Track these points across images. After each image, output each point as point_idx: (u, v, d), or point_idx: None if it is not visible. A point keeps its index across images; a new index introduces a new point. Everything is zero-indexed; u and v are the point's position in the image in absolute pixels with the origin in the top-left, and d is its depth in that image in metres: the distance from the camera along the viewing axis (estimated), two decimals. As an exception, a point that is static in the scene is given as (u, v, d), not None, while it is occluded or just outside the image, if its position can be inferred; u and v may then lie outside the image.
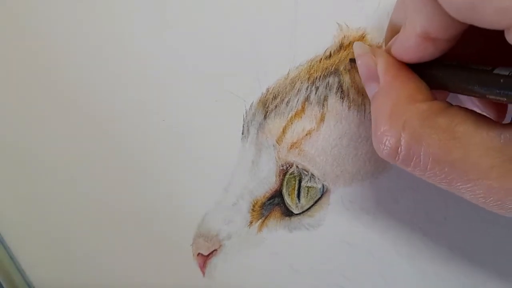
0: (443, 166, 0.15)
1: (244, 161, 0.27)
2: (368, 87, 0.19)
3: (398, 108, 0.17)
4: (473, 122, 0.15)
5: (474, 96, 0.16)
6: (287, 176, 0.26)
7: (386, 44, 0.20)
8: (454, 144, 0.15)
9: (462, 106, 0.16)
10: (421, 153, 0.16)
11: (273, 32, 0.25)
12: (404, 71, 0.18)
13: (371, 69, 0.19)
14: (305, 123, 0.25)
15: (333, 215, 0.26)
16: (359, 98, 0.24)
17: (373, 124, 0.18)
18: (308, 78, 0.25)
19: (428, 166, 0.16)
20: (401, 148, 0.16)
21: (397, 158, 0.16)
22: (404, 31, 0.17)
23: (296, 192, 0.26)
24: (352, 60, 0.23)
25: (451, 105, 0.16)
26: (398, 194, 0.24)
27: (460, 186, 0.15)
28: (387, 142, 0.17)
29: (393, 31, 0.19)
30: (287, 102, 0.25)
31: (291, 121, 0.25)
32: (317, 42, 0.24)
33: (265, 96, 0.26)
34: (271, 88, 0.26)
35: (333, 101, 0.24)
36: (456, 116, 0.15)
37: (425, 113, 0.16)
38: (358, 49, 0.20)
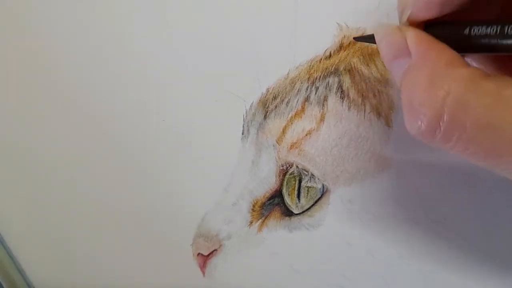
0: (491, 132, 0.14)
1: (244, 161, 0.27)
2: (397, 65, 0.17)
3: (437, 76, 0.15)
4: None
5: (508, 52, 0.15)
6: (287, 176, 0.26)
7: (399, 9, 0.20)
8: (504, 107, 0.14)
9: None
10: (468, 121, 0.14)
11: (273, 32, 0.25)
12: (437, 42, 0.16)
13: (400, 45, 0.17)
14: (305, 123, 0.25)
15: (333, 215, 0.26)
16: (359, 98, 0.24)
17: (406, 100, 0.16)
18: (308, 78, 0.25)
19: (474, 135, 0.14)
20: (444, 118, 0.14)
21: (437, 132, 0.15)
22: None
23: (296, 192, 0.26)
24: (357, 39, 0.22)
25: (490, 73, 0.15)
26: (398, 194, 0.24)
27: (509, 158, 0.14)
28: (426, 114, 0.15)
29: None
30: (287, 102, 0.25)
31: (291, 121, 0.25)
32: (317, 42, 0.24)
33: (265, 96, 0.26)
34: (271, 88, 0.26)
35: (333, 101, 0.24)
36: (501, 80, 0.14)
37: (470, 77, 0.14)
38: (381, 29, 0.19)
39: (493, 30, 0.15)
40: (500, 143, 0.14)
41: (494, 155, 0.14)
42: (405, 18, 0.18)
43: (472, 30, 0.16)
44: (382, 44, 0.18)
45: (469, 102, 0.14)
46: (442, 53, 0.16)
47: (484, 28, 0.15)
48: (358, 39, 0.22)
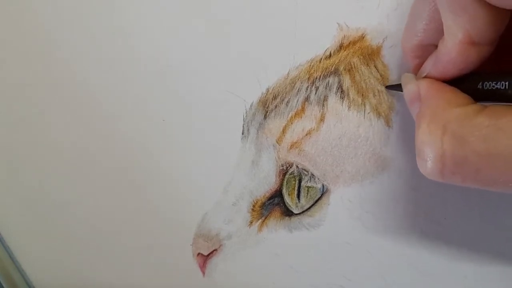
0: (494, 161, 0.14)
1: (244, 161, 0.27)
2: (413, 109, 0.19)
3: (436, 115, 0.16)
4: None
5: None
6: (287, 176, 0.26)
7: (402, 48, 0.20)
8: (501, 134, 0.14)
9: None
10: (467, 154, 0.15)
11: (273, 32, 0.25)
12: (445, 86, 0.18)
13: (414, 92, 0.19)
14: (305, 123, 0.25)
15: (333, 215, 0.26)
16: (359, 98, 0.24)
17: (415, 142, 0.17)
18: (308, 78, 0.25)
19: (479, 166, 0.15)
20: (445, 155, 0.15)
21: (443, 169, 0.16)
22: (443, 45, 0.17)
23: (296, 192, 0.26)
24: (388, 87, 0.23)
25: (488, 106, 0.16)
26: (398, 194, 0.24)
27: None
28: (429, 152, 0.16)
29: (412, 33, 0.19)
30: (287, 102, 0.25)
31: (291, 121, 0.25)
32: (317, 42, 0.24)
33: (265, 96, 0.26)
34: (271, 88, 0.26)
35: (333, 101, 0.24)
36: (495, 111, 0.15)
37: (463, 115, 0.16)
38: (404, 79, 0.21)
39: (502, 85, 0.16)
40: (504, 168, 0.14)
41: (504, 184, 0.15)
42: (422, 76, 0.19)
43: (485, 85, 0.17)
44: (404, 91, 0.20)
45: (464, 137, 0.15)
46: (444, 95, 0.17)
47: (494, 83, 0.17)
48: (389, 87, 0.23)
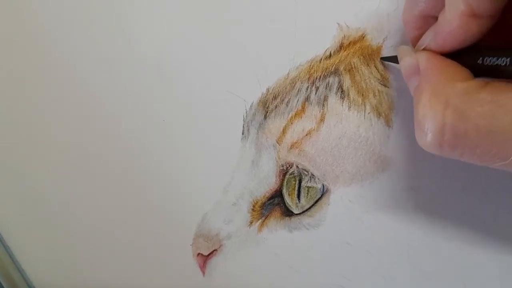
0: (494, 137, 0.15)
1: (244, 161, 0.27)
2: (411, 82, 0.19)
3: (437, 90, 0.16)
4: None
5: None
6: (287, 176, 0.26)
7: (403, 22, 0.20)
8: (502, 111, 0.14)
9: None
10: (468, 128, 0.15)
11: (273, 32, 0.25)
12: (444, 60, 0.18)
13: (413, 65, 0.19)
14: (305, 123, 0.25)
15: (333, 215, 0.26)
16: (359, 98, 0.24)
17: (414, 115, 0.17)
18: (308, 78, 0.25)
19: (478, 141, 0.15)
20: (446, 128, 0.15)
21: (442, 142, 0.16)
22: (444, 17, 0.17)
23: (296, 192, 0.26)
24: (383, 58, 0.23)
25: (490, 81, 0.16)
26: (398, 194, 0.24)
27: None
28: (429, 126, 0.16)
29: (413, 5, 0.19)
30: (287, 102, 0.25)
31: (291, 121, 0.25)
32: (317, 42, 0.24)
33: (265, 96, 0.26)
34: (271, 88, 0.26)
35: (333, 101, 0.24)
36: (497, 88, 0.15)
37: (465, 90, 0.16)
38: (401, 51, 0.20)
39: (503, 61, 0.16)
40: (502, 144, 0.15)
41: (502, 159, 0.15)
42: (420, 48, 0.19)
43: (485, 60, 0.17)
44: (401, 63, 0.20)
45: (466, 112, 0.15)
46: (444, 70, 0.17)
47: (495, 59, 0.17)
48: (384, 59, 0.23)
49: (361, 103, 0.24)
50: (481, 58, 0.17)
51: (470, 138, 0.15)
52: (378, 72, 0.23)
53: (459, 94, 0.16)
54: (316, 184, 0.26)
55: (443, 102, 0.16)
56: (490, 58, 0.17)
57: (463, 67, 0.17)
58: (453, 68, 0.17)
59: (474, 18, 0.16)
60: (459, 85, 0.16)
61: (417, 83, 0.18)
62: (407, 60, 0.19)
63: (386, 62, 0.23)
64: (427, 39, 0.19)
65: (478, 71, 0.17)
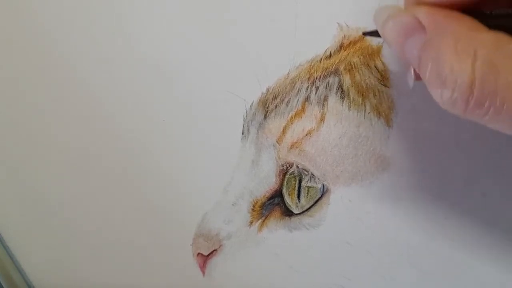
0: None
1: (244, 161, 0.27)
2: (410, 44, 0.17)
3: (463, 40, 0.15)
4: None
5: None
6: (287, 176, 0.26)
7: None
8: None
9: None
10: (497, 85, 0.14)
11: (273, 32, 0.25)
12: (452, 12, 0.16)
13: (410, 23, 0.17)
14: (305, 123, 0.25)
15: (333, 215, 0.26)
16: (359, 98, 0.24)
17: (433, 73, 0.15)
18: (308, 78, 0.25)
19: (506, 99, 0.14)
20: (475, 83, 0.14)
21: (470, 98, 0.14)
22: None
23: (296, 192, 0.26)
24: (366, 33, 0.21)
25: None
26: (398, 194, 0.24)
27: None
28: (459, 80, 0.14)
29: None
30: (287, 102, 0.25)
31: (291, 121, 0.25)
32: (317, 42, 0.24)
33: (265, 96, 0.26)
34: (271, 88, 0.26)
35: (333, 101, 0.24)
36: None
37: (494, 41, 0.14)
38: (385, 11, 0.18)
39: None
40: None
41: None
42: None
43: (494, 11, 0.16)
44: (388, 27, 0.18)
45: (497, 66, 0.14)
46: (461, 20, 0.15)
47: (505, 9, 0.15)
48: (367, 33, 0.21)
49: (361, 103, 0.24)
50: (489, 12, 0.16)
51: (498, 95, 0.14)
52: (378, 72, 0.23)
53: (488, 45, 0.14)
54: (316, 184, 0.26)
55: (472, 53, 0.14)
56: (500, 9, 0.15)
57: (474, 19, 0.16)
58: (469, 19, 0.15)
59: None
60: (486, 35, 0.14)
61: (422, 40, 0.16)
62: (400, 18, 0.17)
63: (387, 62, 0.23)
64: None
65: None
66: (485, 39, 0.14)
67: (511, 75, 0.14)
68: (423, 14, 0.16)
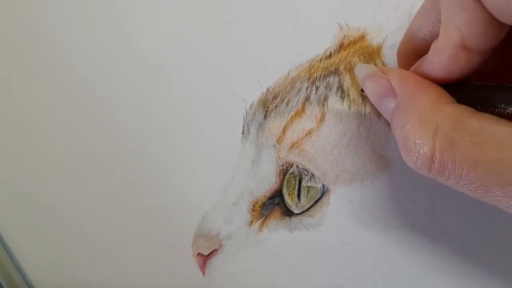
0: (478, 170, 0.14)
1: (244, 161, 0.27)
2: (384, 104, 0.18)
3: (426, 114, 0.16)
4: (505, 122, 0.15)
5: (503, 116, 0.16)
6: (287, 176, 0.26)
7: (398, 55, 0.20)
8: (489, 145, 0.14)
9: None
10: (456, 158, 0.15)
11: (273, 32, 0.25)
12: (422, 80, 0.17)
13: (384, 86, 0.18)
14: (305, 123, 0.25)
15: (333, 215, 0.26)
16: (359, 98, 0.24)
17: (401, 139, 0.17)
18: (308, 78, 0.25)
19: (464, 172, 0.15)
20: (435, 155, 0.15)
21: (432, 167, 0.16)
22: (436, 45, 0.17)
23: (296, 192, 0.26)
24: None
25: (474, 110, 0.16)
26: (399, 194, 0.24)
27: (497, 192, 0.15)
28: (421, 151, 0.16)
29: (410, 41, 0.19)
30: (287, 102, 0.25)
31: (291, 121, 0.25)
32: (317, 42, 0.24)
33: (265, 96, 0.26)
34: (271, 88, 0.26)
35: (333, 101, 0.24)
36: (486, 117, 0.15)
37: (455, 116, 0.15)
38: (363, 70, 0.20)
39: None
40: (488, 181, 0.15)
41: (483, 191, 0.15)
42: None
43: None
44: (366, 84, 0.19)
45: (455, 140, 0.15)
46: (429, 90, 0.17)
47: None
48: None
49: (361, 103, 0.24)
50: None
51: (457, 167, 0.15)
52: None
53: (449, 119, 0.15)
54: (316, 184, 0.26)
55: (434, 127, 0.15)
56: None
57: (442, 88, 0.17)
58: (436, 89, 0.17)
59: (464, 50, 0.16)
60: (448, 109, 0.16)
61: (393, 104, 0.18)
62: (375, 79, 0.19)
63: (387, 62, 0.23)
64: (412, 67, 0.18)
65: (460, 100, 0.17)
66: (448, 113, 0.16)
67: (469, 149, 0.15)
68: (395, 79, 0.18)
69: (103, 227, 0.34)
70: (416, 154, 0.16)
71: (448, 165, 0.15)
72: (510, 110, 0.15)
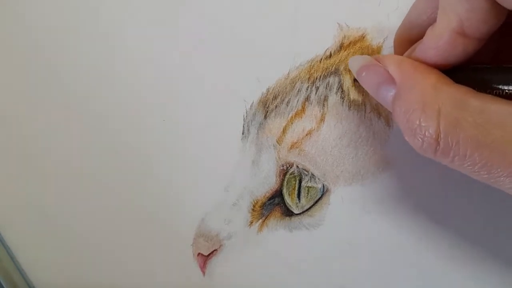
0: (482, 150, 0.15)
1: (244, 161, 0.27)
2: (382, 93, 0.18)
3: (428, 97, 0.16)
4: (505, 101, 0.15)
5: (502, 96, 0.16)
6: (287, 176, 0.26)
7: (394, 42, 0.20)
8: (491, 124, 0.15)
9: None
10: (460, 138, 0.15)
11: (273, 32, 0.25)
12: (420, 64, 0.17)
13: (381, 74, 0.18)
14: (305, 123, 0.25)
15: (333, 215, 0.26)
16: (359, 98, 0.24)
17: (404, 123, 0.17)
18: (308, 78, 0.25)
19: (468, 152, 0.15)
20: (440, 136, 0.15)
21: (437, 148, 0.16)
22: (433, 31, 0.17)
23: (296, 192, 0.26)
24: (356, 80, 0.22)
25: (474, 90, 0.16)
26: (398, 194, 0.24)
27: (501, 172, 0.15)
28: (427, 133, 0.16)
29: (408, 28, 0.19)
30: (287, 102, 0.25)
31: (291, 121, 0.25)
32: (317, 42, 0.24)
33: (265, 96, 0.26)
34: (271, 88, 0.26)
35: (333, 101, 0.24)
36: (486, 97, 0.15)
37: (456, 96, 0.16)
38: (358, 62, 0.20)
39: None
40: (491, 161, 0.15)
41: (487, 172, 0.15)
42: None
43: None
44: (361, 75, 0.19)
45: (458, 120, 0.15)
46: (428, 73, 0.17)
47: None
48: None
49: (361, 103, 0.24)
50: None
51: (460, 147, 0.15)
52: (378, 72, 0.23)
53: (451, 100, 0.16)
54: (316, 184, 0.26)
55: (437, 109, 0.16)
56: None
57: (439, 71, 0.17)
58: (436, 71, 0.17)
59: (463, 38, 0.16)
60: (449, 90, 0.16)
61: (392, 92, 0.18)
62: (371, 68, 0.19)
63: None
64: (406, 53, 0.18)
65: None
66: (449, 94, 0.16)
67: (472, 129, 0.15)
68: (393, 66, 0.18)
69: (103, 227, 0.34)
70: (421, 136, 0.16)
71: (452, 145, 0.15)
72: (508, 90, 0.15)
